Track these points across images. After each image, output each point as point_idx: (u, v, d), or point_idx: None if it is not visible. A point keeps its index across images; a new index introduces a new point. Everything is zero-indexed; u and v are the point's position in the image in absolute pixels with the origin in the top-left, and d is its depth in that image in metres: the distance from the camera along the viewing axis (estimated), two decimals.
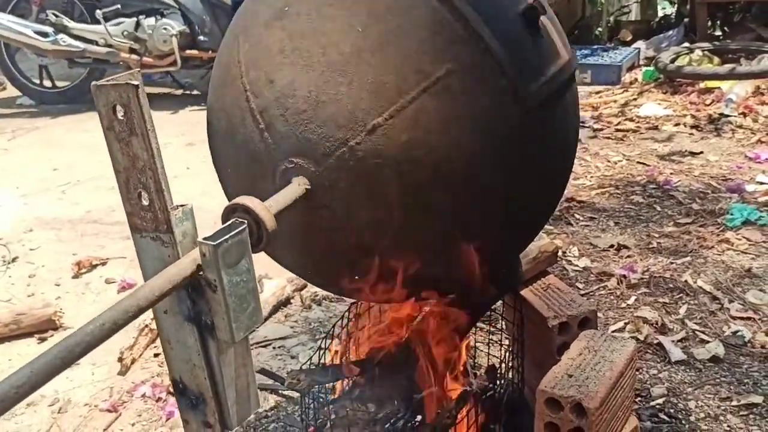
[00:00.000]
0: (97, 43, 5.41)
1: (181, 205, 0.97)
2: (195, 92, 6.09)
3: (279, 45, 1.15)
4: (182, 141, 4.59)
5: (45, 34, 5.30)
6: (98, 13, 5.32)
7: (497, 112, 1.13)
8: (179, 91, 6.13)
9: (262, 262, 1.45)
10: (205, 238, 0.89)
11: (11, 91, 6.10)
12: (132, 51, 5.41)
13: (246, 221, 0.94)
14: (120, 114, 0.88)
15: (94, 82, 0.89)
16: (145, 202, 0.94)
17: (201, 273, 0.92)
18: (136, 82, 0.85)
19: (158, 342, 2.47)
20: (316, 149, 1.12)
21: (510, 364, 1.78)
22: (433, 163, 1.11)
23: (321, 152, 1.11)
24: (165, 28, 5.36)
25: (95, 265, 3.04)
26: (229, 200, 1.05)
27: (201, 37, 5.46)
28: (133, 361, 2.36)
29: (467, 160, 1.13)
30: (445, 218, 1.18)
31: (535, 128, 1.20)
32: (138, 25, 5.39)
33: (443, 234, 1.20)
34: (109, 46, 5.39)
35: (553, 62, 1.23)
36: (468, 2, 1.12)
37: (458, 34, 1.11)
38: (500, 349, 1.90)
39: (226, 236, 0.89)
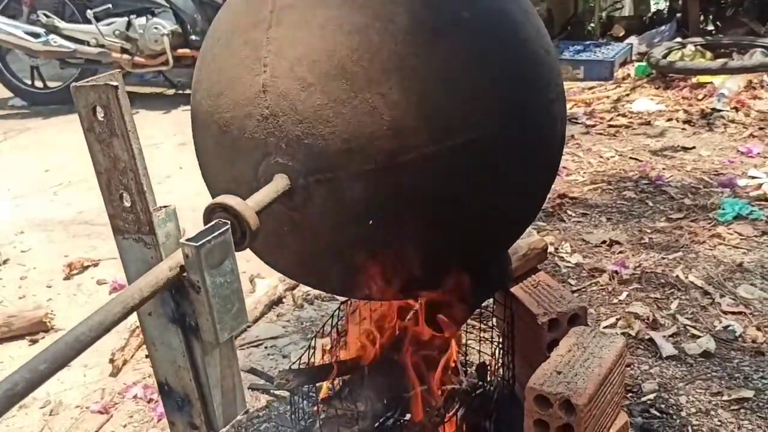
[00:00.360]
0: (88, 44, 5.38)
1: (164, 206, 0.96)
2: (187, 91, 6.06)
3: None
4: (175, 141, 4.58)
5: (36, 35, 5.28)
6: (89, 13, 5.30)
7: None
8: (171, 91, 6.11)
9: (255, 261, 1.45)
10: (187, 240, 0.89)
11: (2, 92, 6.07)
12: (123, 51, 5.39)
13: (229, 221, 0.93)
14: (100, 115, 0.87)
15: (73, 84, 0.88)
16: (127, 204, 0.93)
17: (184, 274, 0.91)
18: (115, 83, 0.84)
19: None
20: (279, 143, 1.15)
21: (501, 361, 1.78)
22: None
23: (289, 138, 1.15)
24: (156, 28, 5.34)
25: (87, 267, 3.03)
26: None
27: (193, 36, 5.43)
28: (124, 363, 2.35)
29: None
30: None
31: None
32: (129, 24, 5.37)
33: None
34: (101, 46, 5.37)
35: None
36: None
37: None
38: (491, 347, 1.89)
39: (209, 237, 0.89)
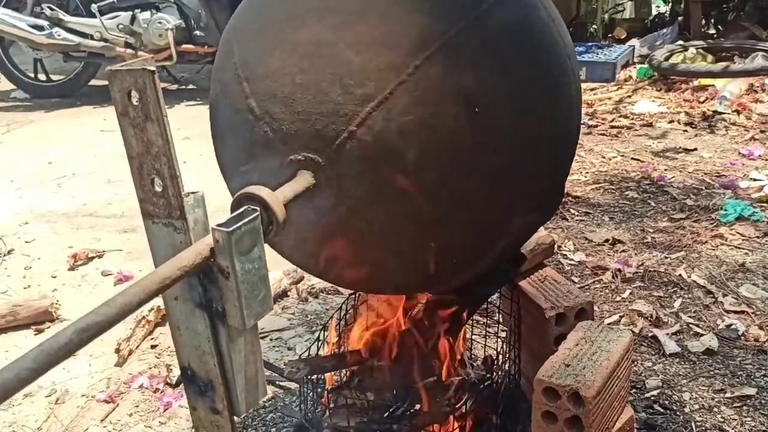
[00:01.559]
0: (92, 37, 5.39)
1: (193, 192, 0.98)
2: (191, 87, 6.08)
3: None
4: (179, 135, 4.59)
5: (40, 28, 5.29)
6: (93, 6, 5.31)
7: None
8: (174, 86, 6.12)
9: None
10: (218, 225, 0.90)
11: (6, 85, 6.07)
12: (127, 45, 5.39)
13: (258, 210, 0.95)
14: (135, 99, 0.89)
15: (109, 67, 0.90)
16: (158, 189, 0.95)
17: (213, 260, 0.93)
18: (152, 68, 0.86)
19: (155, 334, 2.48)
20: (317, 140, 1.15)
21: (507, 355, 1.80)
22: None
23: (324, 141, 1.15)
24: (160, 22, 5.35)
25: (91, 258, 3.04)
26: (232, 195, 1.07)
27: (197, 32, 5.44)
28: (130, 353, 2.36)
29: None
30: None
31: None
32: (133, 18, 5.38)
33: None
34: (105, 39, 5.38)
35: None
36: None
37: None
38: (497, 341, 1.91)
39: (240, 223, 0.90)
